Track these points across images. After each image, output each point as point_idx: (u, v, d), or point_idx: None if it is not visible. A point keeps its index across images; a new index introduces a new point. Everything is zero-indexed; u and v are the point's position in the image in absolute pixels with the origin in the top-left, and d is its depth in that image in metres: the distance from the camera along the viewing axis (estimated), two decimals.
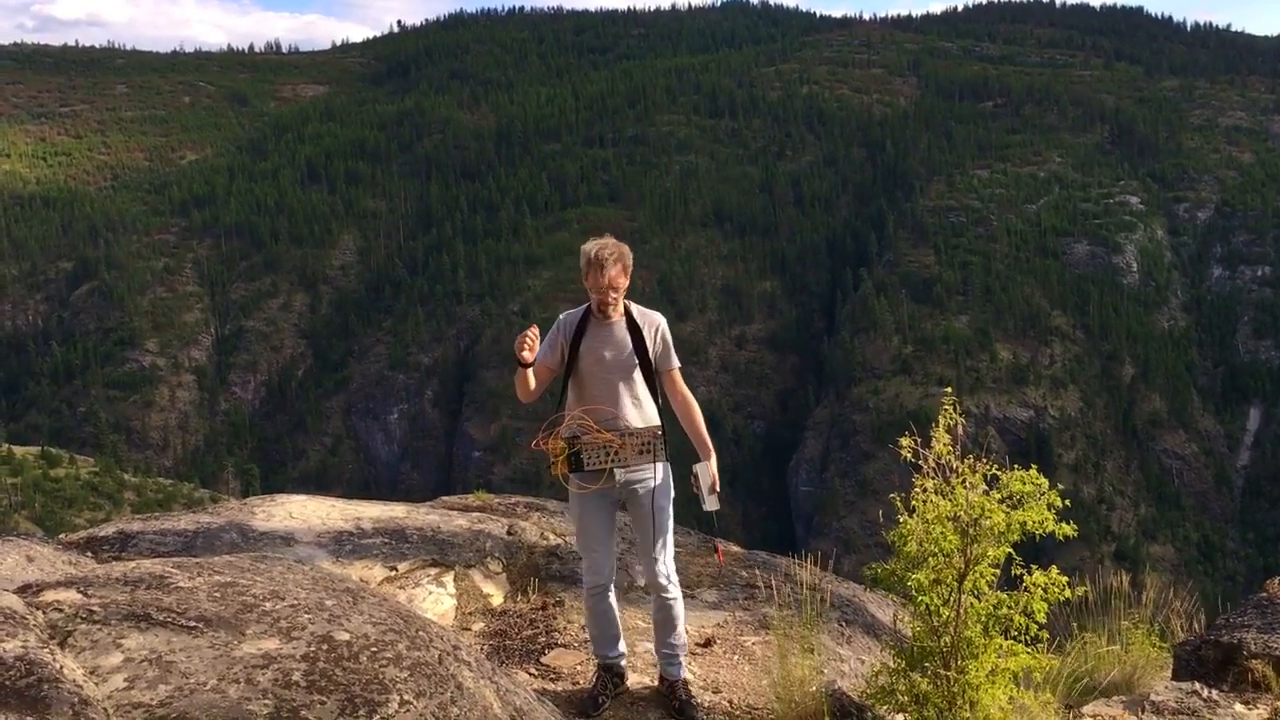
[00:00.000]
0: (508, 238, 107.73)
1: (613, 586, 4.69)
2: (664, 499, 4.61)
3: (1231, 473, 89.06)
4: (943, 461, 4.15)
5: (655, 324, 4.62)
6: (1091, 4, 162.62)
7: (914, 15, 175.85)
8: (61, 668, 2.94)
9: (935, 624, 4.12)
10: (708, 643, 5.46)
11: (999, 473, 4.12)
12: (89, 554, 5.52)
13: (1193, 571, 67.85)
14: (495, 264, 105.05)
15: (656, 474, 4.58)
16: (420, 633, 3.51)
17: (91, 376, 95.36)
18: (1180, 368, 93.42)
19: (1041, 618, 4.06)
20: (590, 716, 4.55)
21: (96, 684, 2.93)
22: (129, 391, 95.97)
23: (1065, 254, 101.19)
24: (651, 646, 5.08)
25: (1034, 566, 4.13)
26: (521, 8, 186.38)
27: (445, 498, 7.97)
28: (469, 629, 5.60)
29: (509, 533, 6.68)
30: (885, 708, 4.32)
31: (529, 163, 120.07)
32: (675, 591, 4.68)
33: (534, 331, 4.44)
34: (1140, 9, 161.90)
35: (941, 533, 4.08)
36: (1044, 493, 4.08)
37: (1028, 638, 4.09)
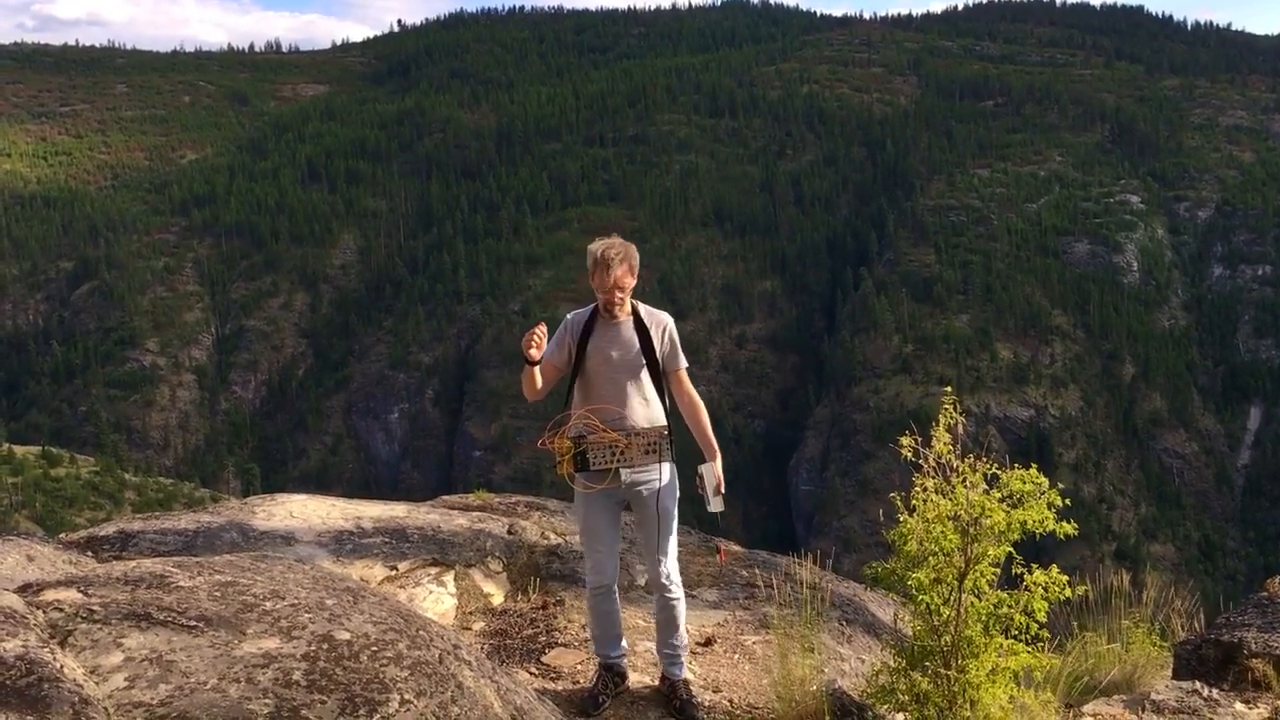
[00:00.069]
0: (508, 237, 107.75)
1: (616, 586, 4.70)
2: (670, 500, 4.61)
3: (1232, 472, 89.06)
4: (943, 461, 4.14)
5: (663, 324, 4.62)
6: (1092, 3, 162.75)
7: (914, 14, 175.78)
8: (62, 667, 2.94)
9: (936, 623, 4.12)
10: (708, 642, 5.46)
11: (999, 472, 4.12)
12: (89, 553, 5.53)
13: (1193, 570, 67.88)
14: (496, 263, 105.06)
15: (663, 474, 4.58)
16: (421, 632, 3.50)
17: (92, 376, 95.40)
18: (1181, 367, 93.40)
19: (1042, 617, 4.06)
20: (591, 716, 4.55)
21: (97, 683, 2.93)
22: (129, 391, 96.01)
23: (1066, 253, 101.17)
24: (651, 646, 5.08)
25: (1034, 566, 4.13)
26: (522, 7, 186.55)
27: (446, 497, 7.97)
28: (469, 628, 5.60)
29: (509, 532, 6.68)
30: (886, 707, 4.31)
31: (529, 162, 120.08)
32: (678, 592, 4.69)
33: (541, 329, 4.44)
34: (1141, 8, 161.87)
35: (942, 532, 4.08)
36: (1044, 492, 4.08)
37: (1028, 637, 4.09)
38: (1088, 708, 5.01)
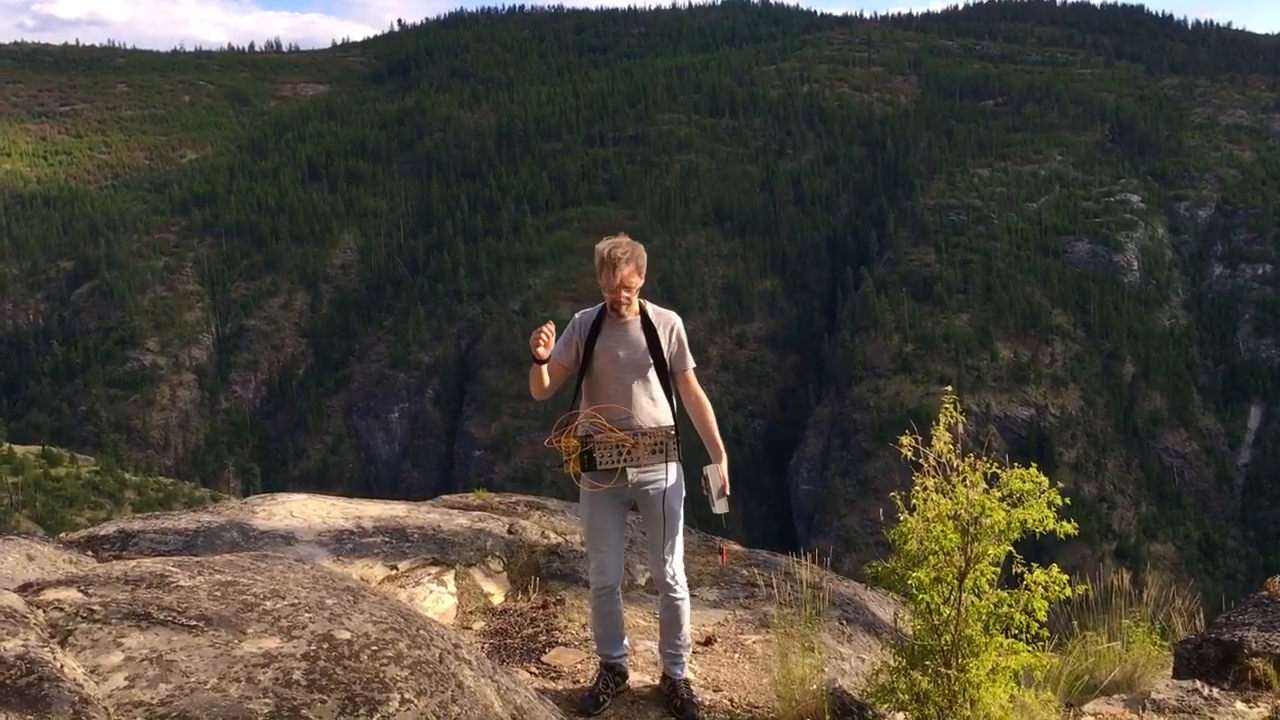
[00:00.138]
0: (508, 236, 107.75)
1: (619, 587, 4.70)
2: (676, 500, 4.61)
3: (1232, 471, 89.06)
4: (943, 460, 4.14)
5: (671, 324, 4.62)
6: (1092, 2, 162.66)
7: (914, 14, 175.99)
8: (62, 666, 2.94)
9: (936, 622, 4.12)
10: (708, 641, 5.46)
11: (999, 471, 4.12)
12: (90, 553, 5.52)
13: (1193, 570, 67.85)
14: (496, 263, 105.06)
15: (669, 475, 4.58)
16: (421, 631, 3.50)
17: (92, 375, 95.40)
18: (1181, 366, 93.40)
19: (1042, 616, 4.06)
20: (591, 715, 4.55)
21: (97, 683, 2.93)
22: (130, 390, 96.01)
23: (1066, 252, 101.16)
24: (651, 645, 5.09)
25: (1035, 565, 4.13)
26: (522, 6, 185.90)
27: (446, 496, 7.96)
28: (470, 628, 5.60)
29: (510, 531, 6.68)
30: (886, 706, 4.31)
31: (530, 161, 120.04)
32: (683, 592, 4.69)
33: (549, 328, 4.41)
34: (1141, 7, 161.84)
35: (942, 531, 4.08)
36: (1044, 491, 4.08)
37: (1028, 636, 4.09)
38: (1088, 707, 5.01)
